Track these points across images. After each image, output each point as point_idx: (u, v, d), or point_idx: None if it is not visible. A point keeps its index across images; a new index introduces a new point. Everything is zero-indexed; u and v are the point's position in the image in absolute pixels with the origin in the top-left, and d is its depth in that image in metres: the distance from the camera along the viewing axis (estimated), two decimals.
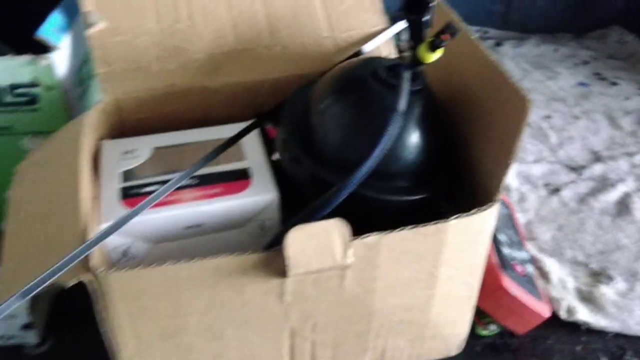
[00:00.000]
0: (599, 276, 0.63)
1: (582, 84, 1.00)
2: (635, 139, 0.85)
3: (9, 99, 0.58)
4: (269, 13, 0.62)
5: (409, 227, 0.42)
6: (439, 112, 0.52)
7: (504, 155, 0.45)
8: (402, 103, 0.45)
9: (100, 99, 0.57)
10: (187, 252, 0.43)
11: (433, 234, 0.43)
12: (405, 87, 0.46)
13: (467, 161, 0.51)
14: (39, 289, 0.37)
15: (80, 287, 0.45)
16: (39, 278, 0.36)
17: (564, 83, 0.99)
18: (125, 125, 0.59)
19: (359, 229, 0.42)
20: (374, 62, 0.51)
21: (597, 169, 0.79)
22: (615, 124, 0.88)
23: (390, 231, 0.42)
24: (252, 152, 0.53)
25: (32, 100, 0.59)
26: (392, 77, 0.48)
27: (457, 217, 0.43)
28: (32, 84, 0.58)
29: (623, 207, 0.72)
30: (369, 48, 0.62)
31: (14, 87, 0.58)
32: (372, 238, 0.42)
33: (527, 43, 1.10)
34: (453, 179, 0.52)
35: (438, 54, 0.46)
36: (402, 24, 0.66)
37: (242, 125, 0.56)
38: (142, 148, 0.54)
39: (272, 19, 0.61)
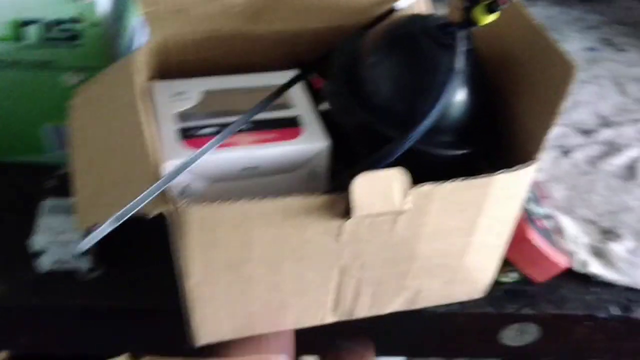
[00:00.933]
0: (609, 234, 0.67)
1: (591, 48, 1.02)
2: None
3: (52, 34, 0.59)
4: None
5: (461, 178, 0.45)
6: (484, 72, 0.55)
7: (546, 117, 0.47)
8: (459, 63, 0.47)
9: (145, 39, 0.58)
10: (240, 192, 0.45)
11: (480, 187, 0.47)
12: (461, 48, 0.48)
13: (507, 122, 0.54)
14: (128, 215, 0.40)
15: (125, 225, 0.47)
16: (127, 206, 0.39)
17: (573, 47, 1.01)
18: (169, 67, 0.61)
19: None
20: (424, 19, 0.53)
21: (606, 133, 0.82)
22: (623, 91, 0.91)
23: (443, 182, 0.45)
24: (299, 101, 0.55)
25: (75, 36, 0.59)
26: (443, 36, 0.50)
27: (502, 172, 0.46)
28: (75, 20, 0.58)
29: (631, 171, 0.76)
30: (406, 2, 0.64)
31: (57, 22, 0.58)
32: (427, 187, 0.45)
33: (537, 5, 1.12)
34: (493, 138, 0.54)
35: (493, 17, 0.48)
36: None
37: (284, 73, 0.57)
38: (191, 91, 0.56)
39: None
